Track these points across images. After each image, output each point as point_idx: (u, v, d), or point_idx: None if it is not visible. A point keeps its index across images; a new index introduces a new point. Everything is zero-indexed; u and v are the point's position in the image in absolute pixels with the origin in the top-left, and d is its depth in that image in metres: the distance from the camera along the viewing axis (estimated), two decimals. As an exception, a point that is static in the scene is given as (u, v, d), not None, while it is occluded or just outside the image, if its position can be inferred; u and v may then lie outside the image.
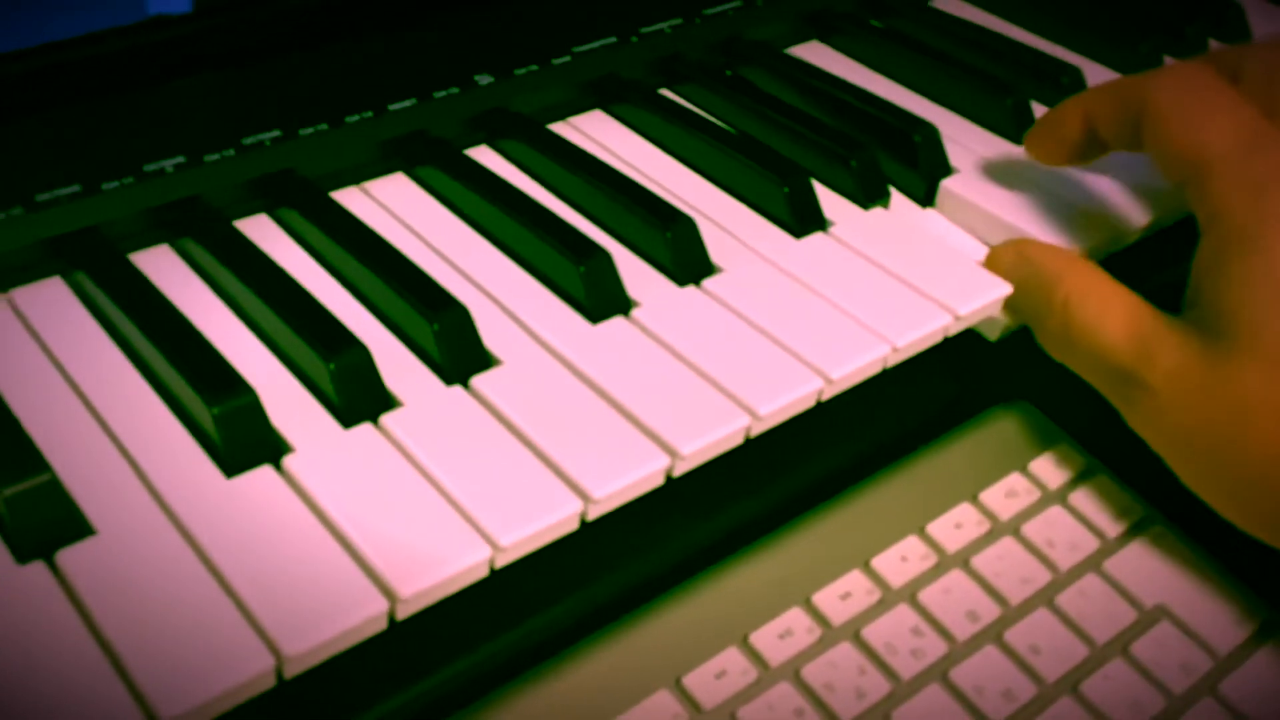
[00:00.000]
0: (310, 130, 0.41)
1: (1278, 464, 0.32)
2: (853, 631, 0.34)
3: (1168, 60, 0.53)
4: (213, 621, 0.28)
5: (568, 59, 0.47)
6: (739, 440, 0.35)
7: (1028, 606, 0.35)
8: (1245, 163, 0.34)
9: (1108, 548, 0.37)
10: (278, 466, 0.31)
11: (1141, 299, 0.37)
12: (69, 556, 0.29)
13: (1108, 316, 0.36)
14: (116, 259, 0.37)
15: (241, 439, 0.31)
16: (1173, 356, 0.34)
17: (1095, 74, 0.52)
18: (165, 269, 0.38)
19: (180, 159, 0.39)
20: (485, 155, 0.45)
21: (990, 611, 0.35)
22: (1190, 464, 0.35)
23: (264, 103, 0.41)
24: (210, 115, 0.40)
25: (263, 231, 0.40)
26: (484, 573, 0.30)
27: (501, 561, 0.30)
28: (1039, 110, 0.49)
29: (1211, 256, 0.35)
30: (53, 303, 0.36)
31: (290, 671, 0.27)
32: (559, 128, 0.47)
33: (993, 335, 0.41)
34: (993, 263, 0.40)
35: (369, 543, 0.29)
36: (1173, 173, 0.37)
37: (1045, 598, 0.36)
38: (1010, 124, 0.48)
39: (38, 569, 0.28)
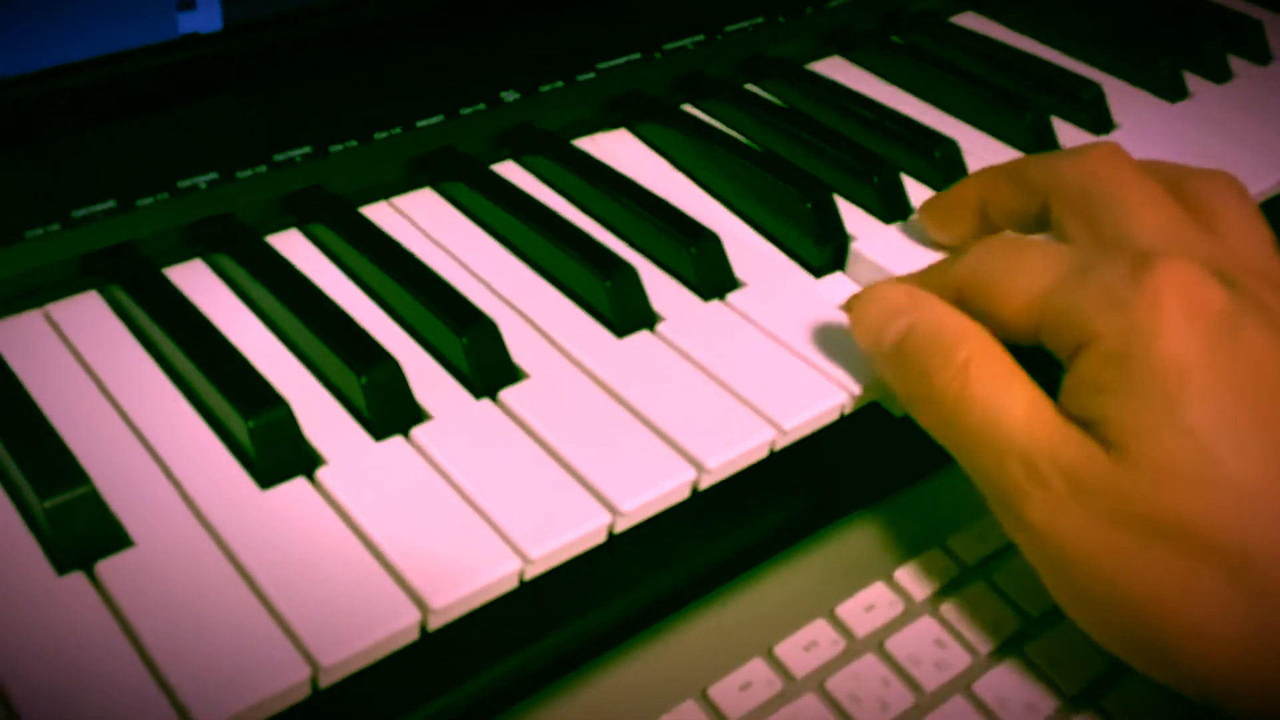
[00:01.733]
0: (340, 147, 0.42)
1: (1178, 593, 0.29)
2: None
3: (1187, 77, 0.54)
4: (249, 632, 0.28)
5: (592, 75, 0.48)
6: (764, 453, 0.35)
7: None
8: (1104, 270, 0.31)
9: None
10: (311, 479, 0.32)
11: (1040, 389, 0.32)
12: (108, 567, 0.29)
13: (1012, 393, 0.32)
14: (152, 274, 0.37)
15: (276, 452, 0.32)
16: (1072, 453, 0.30)
17: (1115, 89, 0.52)
18: (199, 284, 0.38)
19: (213, 175, 0.40)
20: (512, 171, 0.45)
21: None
22: (1074, 582, 0.31)
23: (294, 120, 0.42)
24: (242, 132, 0.41)
25: (294, 247, 0.40)
26: (514, 584, 0.31)
27: (531, 573, 0.31)
28: (1059, 125, 0.50)
29: (1088, 375, 0.31)
30: (89, 317, 0.37)
31: (326, 681, 0.28)
32: (584, 144, 0.47)
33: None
34: (868, 309, 0.35)
35: (401, 554, 0.30)
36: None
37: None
38: (1030, 139, 0.48)
39: (77, 580, 0.29)
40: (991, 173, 0.39)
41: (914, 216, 0.43)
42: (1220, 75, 0.54)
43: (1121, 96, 0.52)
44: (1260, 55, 0.56)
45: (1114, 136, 0.50)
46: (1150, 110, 0.52)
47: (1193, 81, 0.54)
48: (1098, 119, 0.50)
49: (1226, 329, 0.30)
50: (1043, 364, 0.33)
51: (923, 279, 0.36)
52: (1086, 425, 0.31)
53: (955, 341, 0.33)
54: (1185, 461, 0.29)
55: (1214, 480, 0.29)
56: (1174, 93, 0.52)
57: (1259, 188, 0.47)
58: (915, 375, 0.33)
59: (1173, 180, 0.36)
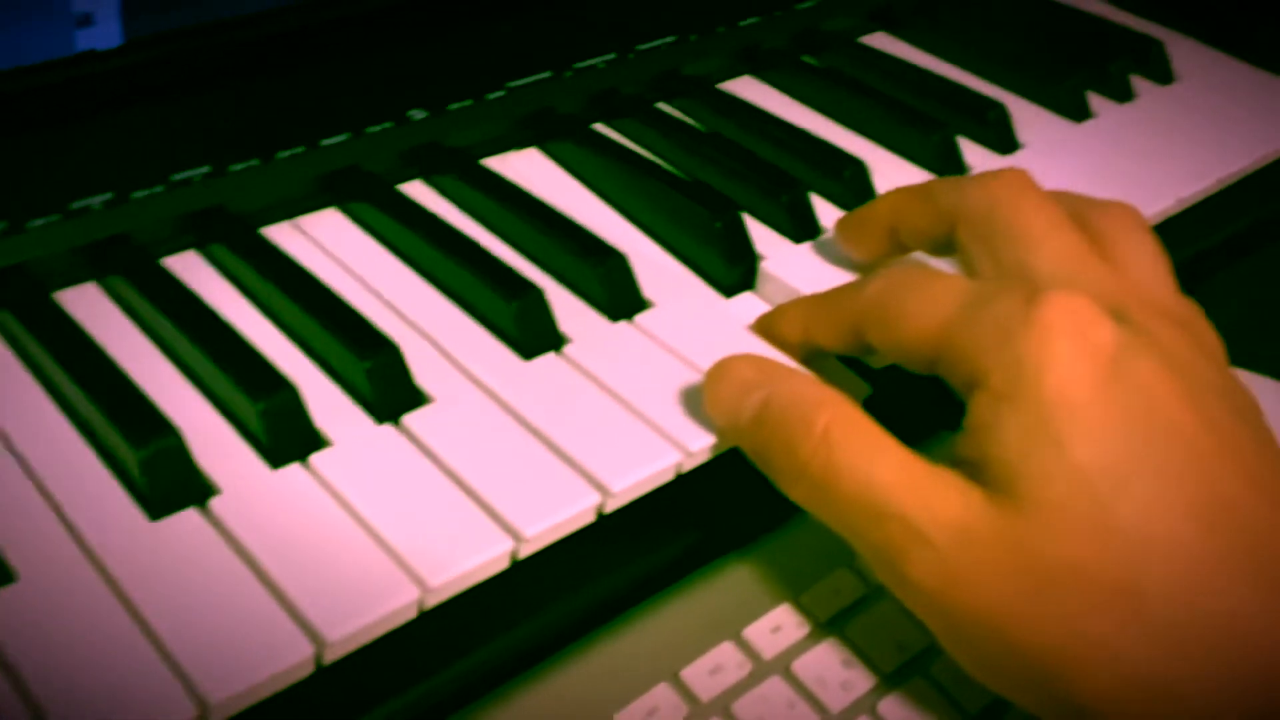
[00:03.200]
0: (241, 166, 0.41)
1: (1074, 635, 0.29)
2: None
3: (1091, 97, 0.54)
4: (134, 668, 0.27)
5: (502, 93, 0.47)
6: (670, 476, 0.35)
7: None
8: (989, 307, 0.31)
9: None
10: (204, 509, 0.31)
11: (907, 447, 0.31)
12: (-12, 604, 0.28)
13: (878, 455, 0.31)
14: (41, 298, 0.36)
15: (166, 482, 0.31)
16: (955, 508, 0.29)
17: (1020, 109, 0.53)
18: (92, 308, 0.37)
19: (108, 195, 0.39)
20: (419, 191, 0.45)
21: (919, 642, 0.35)
22: (969, 634, 0.30)
23: (194, 138, 0.41)
24: (139, 151, 0.40)
25: (192, 269, 0.40)
26: (413, 614, 0.30)
27: (431, 602, 0.30)
28: (965, 145, 0.50)
29: (979, 418, 0.31)
30: (-25, 343, 0.36)
31: (218, 719, 0.27)
32: (493, 162, 0.47)
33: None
34: (721, 385, 0.34)
35: (295, 586, 0.29)
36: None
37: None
38: (936, 159, 0.49)
39: (-45, 617, 0.28)
40: (903, 193, 0.39)
41: (826, 235, 0.43)
42: (1123, 95, 0.55)
43: (1027, 116, 0.53)
44: (1162, 75, 0.57)
45: (1019, 156, 0.51)
46: (1055, 130, 0.53)
47: (1096, 101, 0.55)
48: (1003, 139, 0.50)
49: (1117, 365, 0.30)
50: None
51: (825, 304, 0.36)
52: (977, 467, 0.30)
53: (814, 409, 0.32)
54: (1073, 504, 0.29)
55: (1103, 523, 0.29)
56: (1078, 113, 0.53)
57: (1160, 206, 0.48)
58: (777, 449, 0.32)
59: (1076, 210, 0.36)
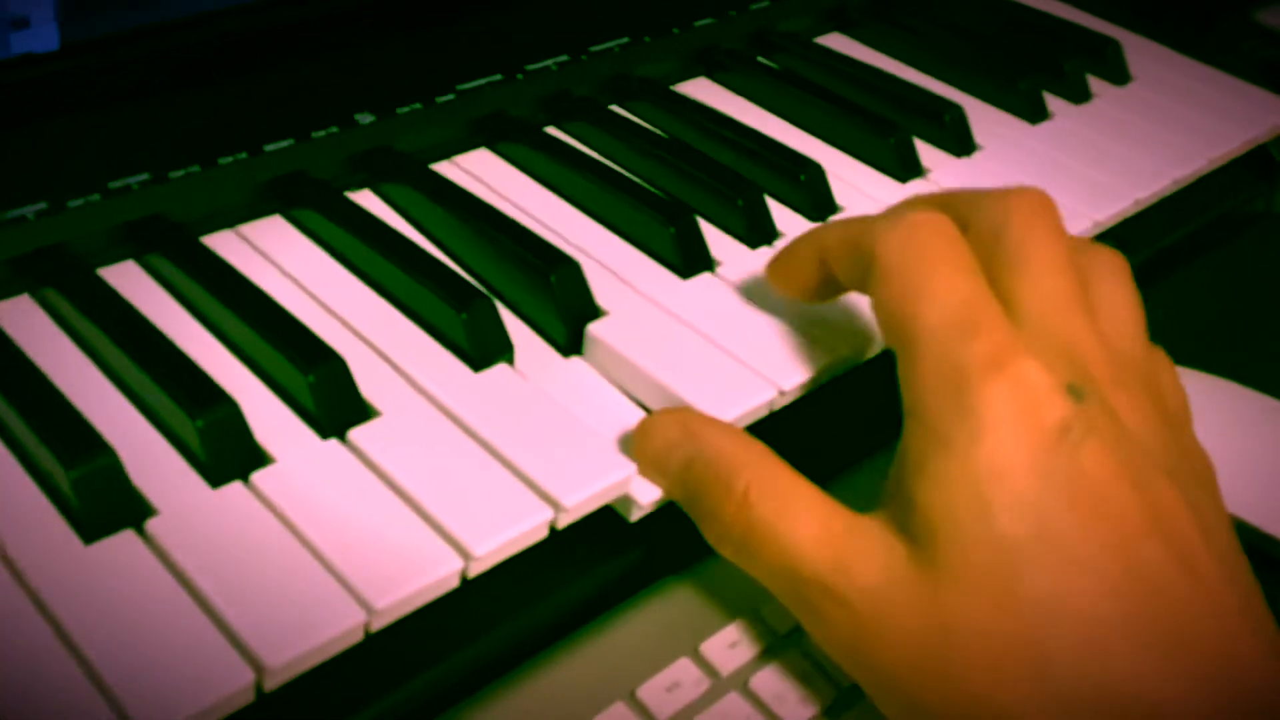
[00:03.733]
0: (181, 173, 0.40)
1: (982, 702, 0.29)
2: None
3: (1048, 98, 0.54)
4: (67, 698, 0.26)
5: (452, 97, 0.46)
6: (624, 491, 0.34)
7: None
8: (950, 347, 0.30)
9: None
10: (140, 531, 0.30)
11: (831, 498, 0.32)
12: (-90, 635, 0.27)
13: (797, 516, 0.31)
14: (-29, 311, 0.35)
15: (100, 503, 0.30)
16: (872, 568, 0.30)
17: (977, 111, 0.53)
18: (25, 320, 0.36)
19: (42, 205, 0.37)
20: (366, 198, 0.44)
21: None
22: (887, 691, 0.30)
23: (131, 145, 0.40)
24: (74, 159, 0.39)
25: (130, 280, 0.38)
26: (359, 637, 0.29)
27: (378, 624, 0.29)
28: (922, 147, 0.50)
29: (912, 450, 0.31)
30: (-99, 358, 0.34)
31: (150, 751, 0.26)
32: (444, 167, 0.46)
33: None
34: (646, 443, 0.34)
35: (236, 611, 0.28)
36: (887, 338, 0.33)
37: None
38: (894, 162, 0.48)
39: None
40: (829, 228, 0.36)
41: (783, 239, 0.43)
42: (1080, 96, 0.55)
43: (983, 118, 0.53)
44: (1119, 76, 0.57)
45: (976, 158, 0.50)
46: (1012, 131, 0.52)
47: (1053, 102, 0.54)
48: (960, 141, 0.50)
49: (1060, 443, 0.30)
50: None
51: (848, 232, 0.34)
52: (901, 505, 0.30)
53: (733, 471, 0.32)
54: (990, 574, 0.29)
55: (1016, 593, 0.29)
56: (1035, 114, 0.53)
57: (1118, 208, 0.48)
58: (702, 511, 0.33)
59: (1069, 246, 0.34)
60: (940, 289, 0.31)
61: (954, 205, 0.35)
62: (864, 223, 0.34)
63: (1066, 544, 0.29)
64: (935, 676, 0.29)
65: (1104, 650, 0.28)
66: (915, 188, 0.48)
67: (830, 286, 0.36)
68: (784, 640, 0.34)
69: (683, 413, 0.34)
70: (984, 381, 0.30)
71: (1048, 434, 0.30)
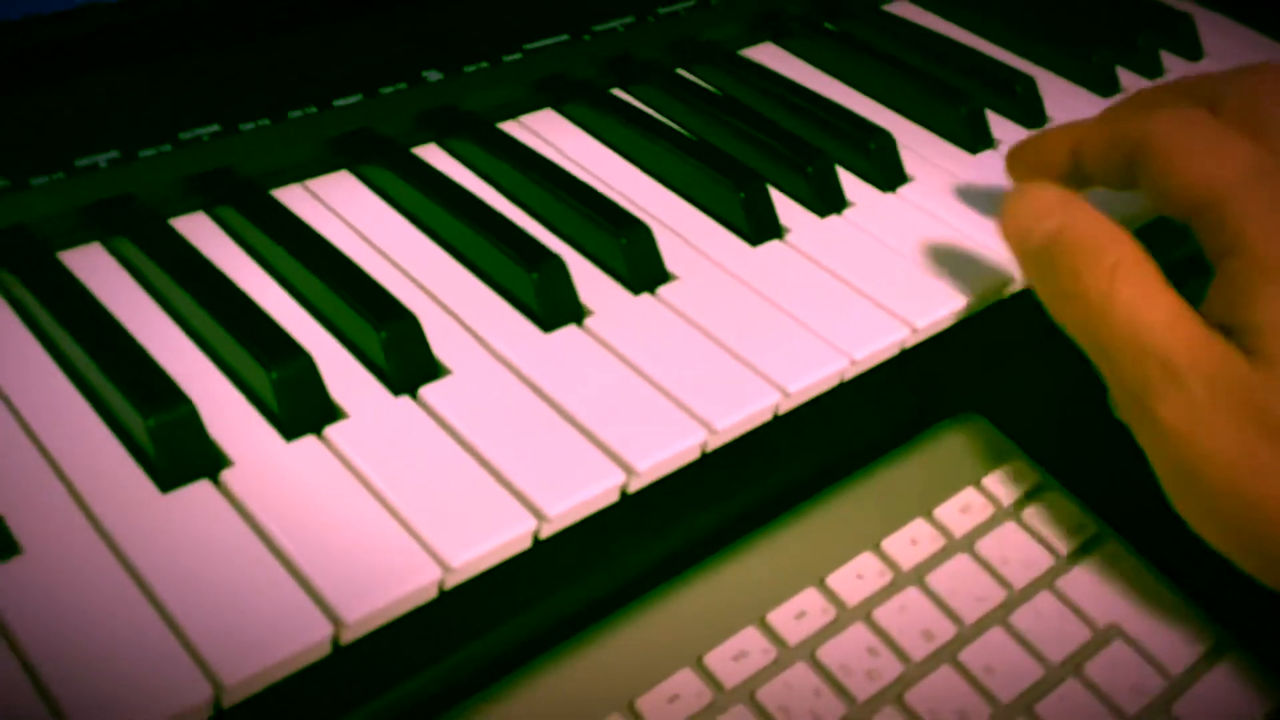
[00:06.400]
0: (251, 125, 0.40)
1: None
2: (809, 652, 0.33)
3: (1120, 72, 0.53)
4: (144, 646, 0.26)
5: (519, 56, 0.46)
6: (695, 455, 0.34)
7: (982, 625, 0.35)
8: (1259, 192, 0.33)
9: (1060, 566, 0.37)
10: (216, 481, 0.30)
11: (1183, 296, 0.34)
12: (-5, 577, 0.27)
13: (1158, 298, 0.33)
14: (45, 259, 0.35)
15: (177, 453, 0.30)
16: (1213, 360, 0.32)
17: (1048, 83, 0.52)
18: (98, 270, 0.36)
19: (114, 154, 0.37)
20: (434, 154, 0.43)
21: (946, 631, 0.35)
22: (1201, 487, 0.32)
23: (202, 96, 0.40)
24: (145, 108, 0.39)
25: (200, 231, 0.38)
26: (433, 594, 0.29)
27: (452, 582, 0.29)
28: (993, 118, 0.49)
29: (1237, 286, 0.33)
30: (-23, 304, 0.34)
31: (229, 701, 0.26)
32: (510, 127, 0.45)
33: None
34: (1021, 206, 0.36)
35: (312, 563, 0.28)
36: (1177, 209, 0.35)
37: (999, 617, 0.35)
38: (965, 132, 0.47)
39: (-41, 591, 0.27)
40: (1084, 123, 0.40)
41: (852, 208, 0.42)
42: (1152, 70, 0.54)
43: (1054, 90, 0.52)
44: (1192, 51, 0.56)
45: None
46: (1083, 104, 0.51)
47: (1125, 76, 0.53)
48: (1031, 112, 0.49)
49: None
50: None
51: (1104, 125, 0.37)
52: (1229, 332, 0.32)
53: (1105, 245, 0.34)
54: None
55: None
56: (1107, 87, 0.52)
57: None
58: (1062, 273, 0.34)
59: None
60: (1229, 152, 0.34)
61: (1200, 91, 0.38)
62: (1119, 119, 0.37)
63: None
64: (1264, 466, 0.31)
65: None
66: (985, 159, 0.47)
67: (1074, 181, 0.39)
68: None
69: (1056, 189, 0.36)
70: None
71: None
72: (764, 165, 0.44)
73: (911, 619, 0.35)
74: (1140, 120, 0.36)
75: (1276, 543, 0.31)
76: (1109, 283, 0.33)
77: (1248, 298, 0.32)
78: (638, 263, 0.38)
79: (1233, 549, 0.32)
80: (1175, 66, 0.55)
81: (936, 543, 0.37)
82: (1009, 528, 0.38)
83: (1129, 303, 0.33)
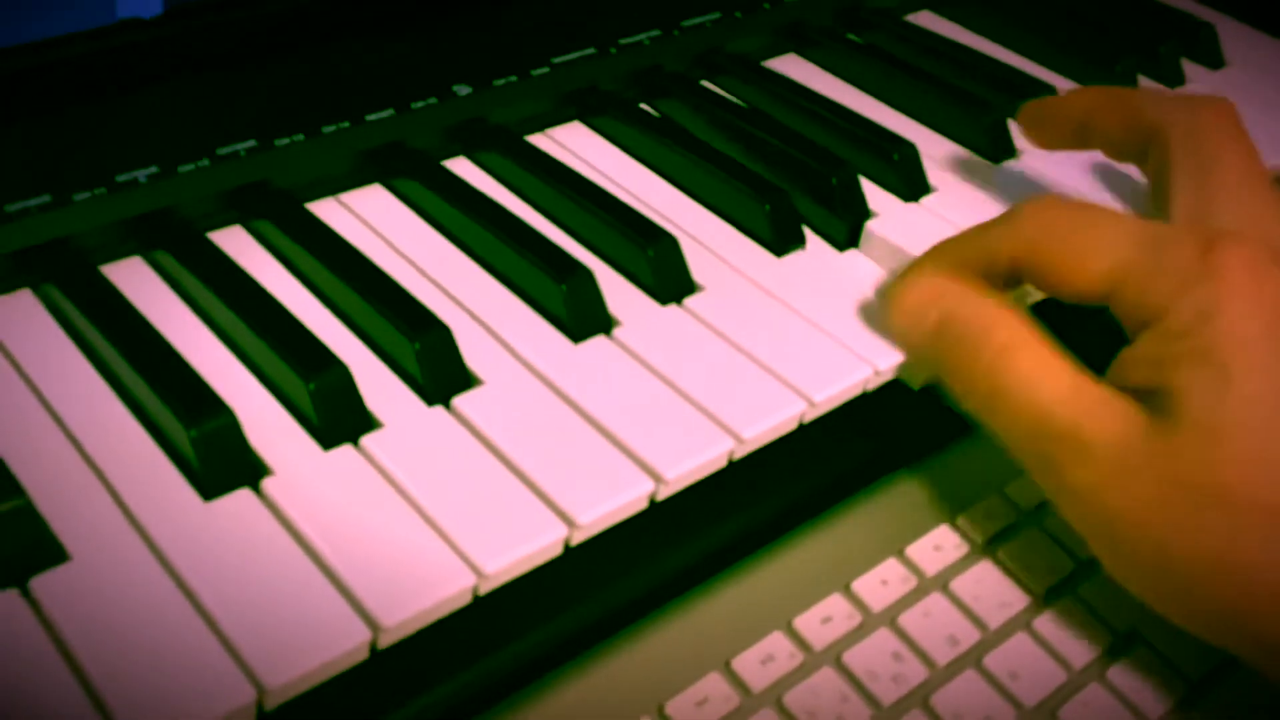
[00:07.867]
0: (286, 140, 0.41)
1: (1223, 560, 0.30)
2: (834, 656, 0.34)
3: (1142, 81, 0.54)
4: (189, 650, 0.27)
5: (546, 70, 0.47)
6: (723, 463, 0.34)
7: (1005, 632, 0.35)
8: (1157, 261, 0.33)
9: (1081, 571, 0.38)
10: (256, 489, 0.31)
11: (1078, 361, 0.34)
12: (43, 584, 0.28)
13: (1050, 373, 0.33)
14: (88, 272, 0.36)
15: (219, 461, 0.31)
16: (1117, 424, 0.32)
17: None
18: (138, 282, 0.37)
19: (153, 169, 0.38)
20: (463, 167, 0.44)
21: (970, 635, 0.35)
22: (1118, 542, 0.32)
23: (239, 111, 0.41)
24: (184, 124, 0.40)
25: (237, 244, 0.39)
26: (467, 599, 0.30)
27: (486, 588, 0.30)
28: (1015, 128, 0.49)
29: (1152, 353, 0.33)
30: (23, 316, 0.35)
31: (271, 704, 0.27)
32: (538, 139, 0.46)
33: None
34: (904, 300, 0.36)
35: (349, 569, 0.29)
36: (1088, 300, 0.35)
37: (1023, 621, 0.36)
38: (987, 142, 0.48)
39: (10, 597, 0.27)
40: (1103, 95, 0.41)
41: (876, 219, 0.43)
42: (1174, 79, 0.54)
43: (1077, 100, 0.52)
44: (1213, 59, 0.56)
45: (1070, 140, 0.50)
46: (1105, 114, 0.52)
47: (1147, 85, 0.54)
48: (1054, 122, 0.50)
49: None
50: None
51: (972, 245, 0.37)
52: (1140, 396, 0.32)
53: (988, 329, 0.34)
54: (1234, 431, 0.31)
55: (1260, 450, 0.30)
56: (1128, 97, 0.52)
57: (1212, 194, 0.47)
58: (952, 365, 0.35)
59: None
60: (1115, 238, 0.35)
61: (1142, 105, 0.40)
62: (1136, 99, 0.39)
63: None
64: (1178, 523, 0.31)
65: None
66: (1008, 169, 0.47)
67: (1081, 144, 0.41)
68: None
69: (937, 275, 0.36)
70: (1208, 273, 0.32)
71: (1273, 302, 0.32)
72: (788, 176, 0.44)
73: (936, 623, 0.35)
74: (1156, 113, 0.39)
75: (1193, 593, 0.31)
76: (1000, 362, 0.33)
77: (1161, 365, 0.32)
78: (665, 274, 0.39)
79: (1156, 600, 0.32)
80: (1197, 75, 0.56)
81: (961, 549, 0.37)
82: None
83: (1026, 379, 0.33)
